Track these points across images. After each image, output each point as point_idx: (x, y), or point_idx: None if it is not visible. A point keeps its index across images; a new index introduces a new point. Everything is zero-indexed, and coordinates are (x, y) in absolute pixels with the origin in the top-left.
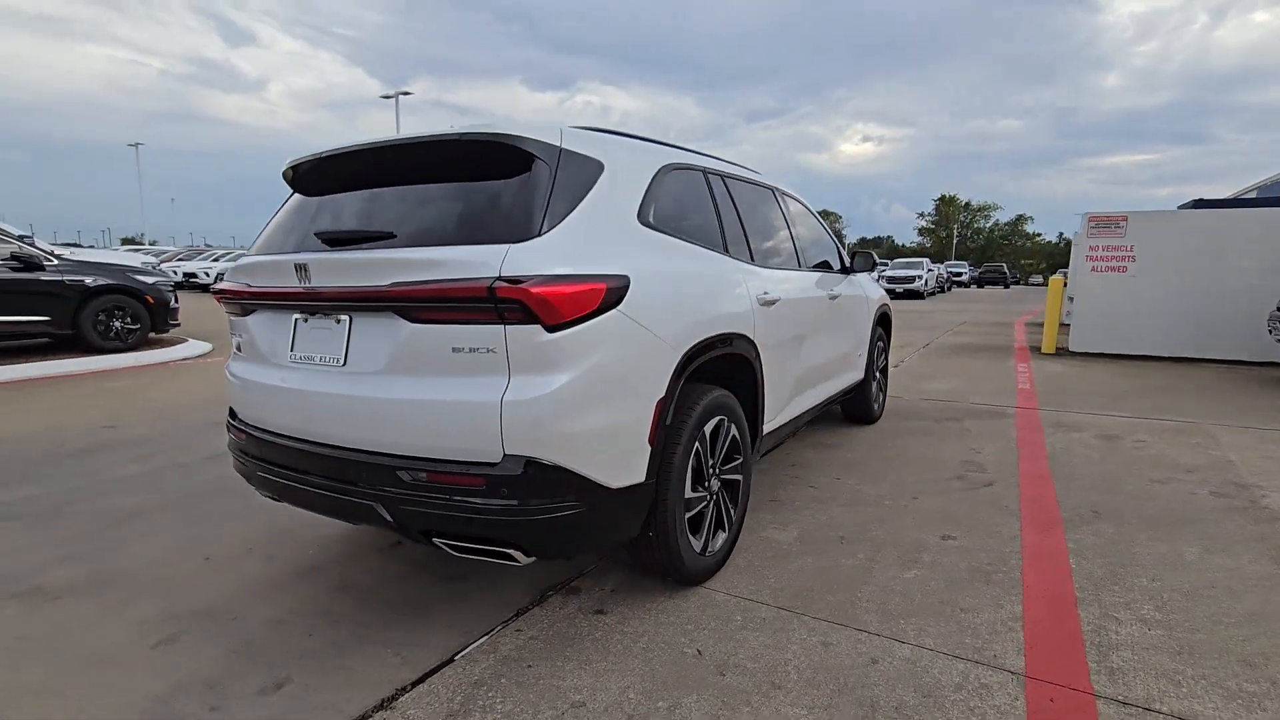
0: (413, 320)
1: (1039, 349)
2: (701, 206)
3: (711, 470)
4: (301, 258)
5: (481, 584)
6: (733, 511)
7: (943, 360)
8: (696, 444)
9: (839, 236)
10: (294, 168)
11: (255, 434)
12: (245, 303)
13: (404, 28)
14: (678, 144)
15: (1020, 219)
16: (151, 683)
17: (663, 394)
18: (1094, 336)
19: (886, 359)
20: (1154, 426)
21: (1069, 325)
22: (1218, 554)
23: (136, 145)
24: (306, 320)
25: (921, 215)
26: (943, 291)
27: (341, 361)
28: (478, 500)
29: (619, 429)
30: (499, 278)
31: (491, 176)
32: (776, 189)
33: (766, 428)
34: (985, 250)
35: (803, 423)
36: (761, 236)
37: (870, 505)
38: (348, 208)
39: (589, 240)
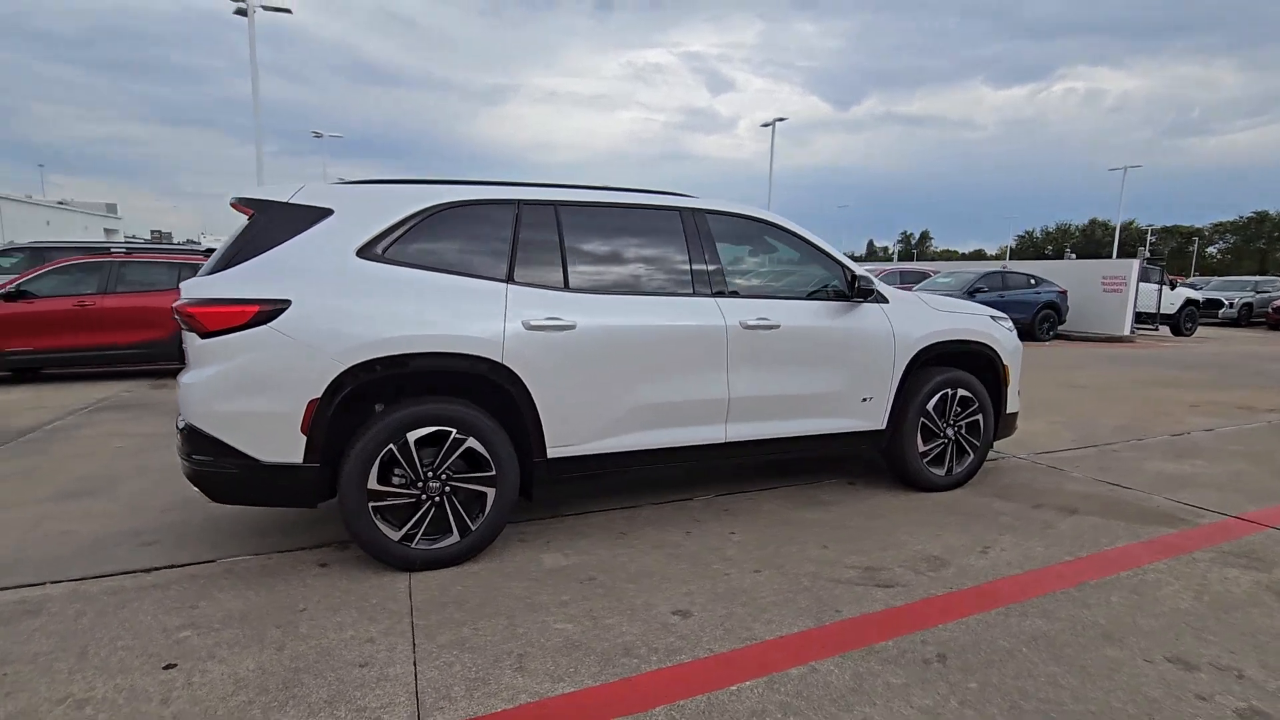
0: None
1: None
2: (481, 240)
3: (430, 474)
4: None
5: (319, 525)
6: (471, 520)
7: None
8: (392, 446)
9: None
10: None
11: None
12: None
13: (856, 49)
14: (510, 181)
15: None
16: (126, 523)
17: (318, 395)
18: None
19: (984, 418)
20: None
21: None
22: None
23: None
24: None
25: None
26: None
27: None
28: (180, 453)
29: (264, 416)
30: (180, 300)
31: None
32: (692, 210)
33: (561, 452)
34: None
35: (698, 460)
36: (604, 263)
37: (689, 564)
38: None
39: (278, 271)
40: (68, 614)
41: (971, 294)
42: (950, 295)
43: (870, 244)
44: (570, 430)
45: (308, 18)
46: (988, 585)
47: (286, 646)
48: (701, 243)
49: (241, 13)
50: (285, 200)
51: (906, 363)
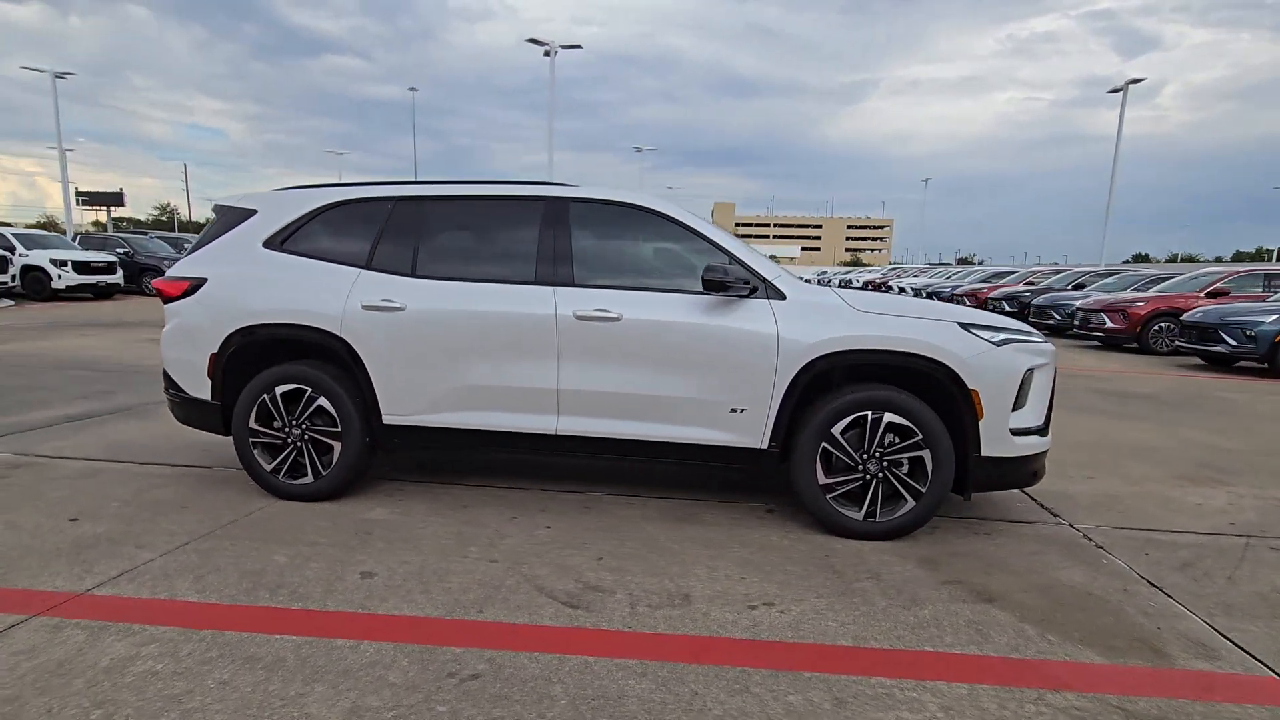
0: None
1: None
2: (362, 233)
3: (293, 424)
4: None
5: None
6: (324, 467)
7: None
8: (264, 396)
9: None
10: None
11: None
12: None
13: None
14: (401, 180)
15: None
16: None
17: (215, 349)
18: None
19: (934, 456)
20: None
21: None
22: None
23: (926, 179)
24: None
25: None
26: None
27: None
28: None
29: (187, 361)
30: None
31: None
32: (555, 199)
33: (395, 420)
34: None
35: (530, 448)
36: (452, 252)
37: (455, 542)
38: None
39: (210, 258)
40: (99, 481)
41: None
42: None
43: None
44: (401, 401)
45: (687, 44)
46: (680, 637)
47: (134, 524)
48: (555, 231)
49: (547, 54)
50: (230, 204)
51: (795, 372)
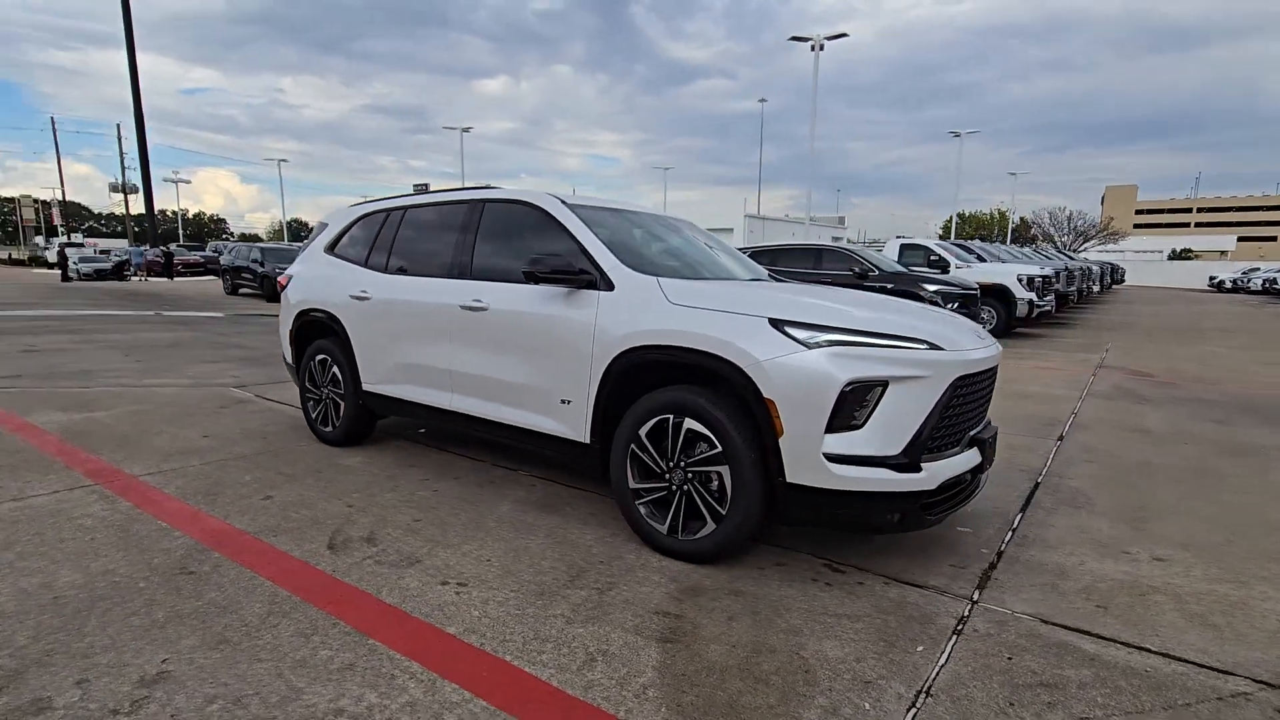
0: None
1: None
2: (367, 238)
3: (323, 384)
4: None
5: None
6: (336, 420)
7: None
8: (311, 362)
9: None
10: None
11: None
12: None
13: None
14: (404, 193)
15: None
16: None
17: (291, 327)
18: None
19: (732, 474)
20: None
21: None
22: None
23: None
24: None
25: None
26: None
27: None
28: None
29: (284, 335)
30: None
31: None
32: (475, 200)
33: (369, 388)
34: None
35: (443, 422)
36: (407, 251)
37: (362, 490)
38: None
39: (301, 260)
40: (258, 417)
41: None
42: None
43: None
44: (370, 373)
45: (1088, 4)
46: (350, 588)
47: (223, 443)
48: (469, 230)
49: (813, 48)
50: (321, 220)
51: (606, 365)
